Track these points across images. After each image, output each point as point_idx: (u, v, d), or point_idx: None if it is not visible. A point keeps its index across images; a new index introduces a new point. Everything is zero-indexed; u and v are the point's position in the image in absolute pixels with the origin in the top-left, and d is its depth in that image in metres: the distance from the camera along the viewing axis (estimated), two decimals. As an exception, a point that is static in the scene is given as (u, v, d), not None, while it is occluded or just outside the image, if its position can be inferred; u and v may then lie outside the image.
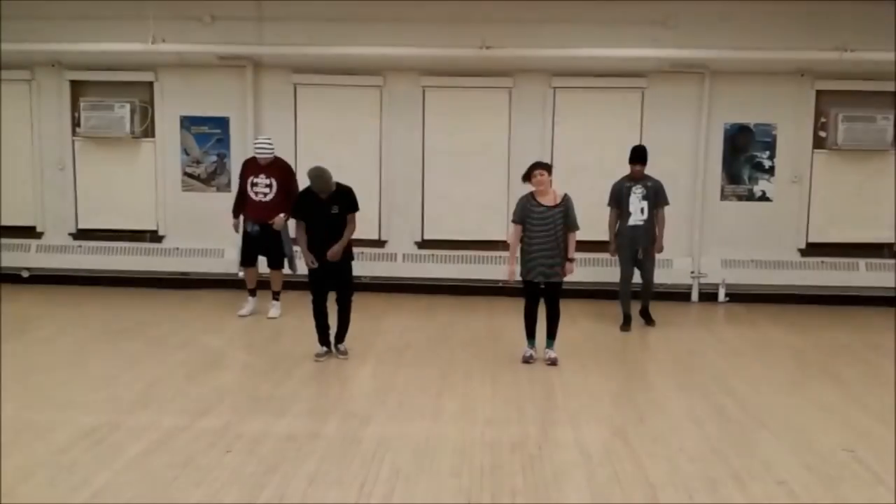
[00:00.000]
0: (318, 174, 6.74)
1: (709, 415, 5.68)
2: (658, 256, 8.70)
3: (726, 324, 8.98)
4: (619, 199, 8.36)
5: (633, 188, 8.30)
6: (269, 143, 8.51)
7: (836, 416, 5.72)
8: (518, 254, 7.01)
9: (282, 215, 8.37)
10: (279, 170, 8.51)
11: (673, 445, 5.05)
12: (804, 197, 9.85)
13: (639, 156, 8.35)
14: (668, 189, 8.60)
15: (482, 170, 9.96)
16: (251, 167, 8.53)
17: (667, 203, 8.44)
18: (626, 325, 8.41)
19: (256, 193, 8.42)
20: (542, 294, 6.98)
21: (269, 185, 8.41)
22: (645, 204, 8.28)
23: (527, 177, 6.88)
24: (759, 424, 5.49)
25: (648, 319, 8.52)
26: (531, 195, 6.86)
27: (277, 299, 8.75)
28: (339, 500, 4.24)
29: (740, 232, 9.88)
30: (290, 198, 8.41)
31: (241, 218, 8.58)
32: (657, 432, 5.32)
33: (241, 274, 8.96)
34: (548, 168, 6.88)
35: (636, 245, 8.38)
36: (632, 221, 8.30)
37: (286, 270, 8.70)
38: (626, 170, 8.48)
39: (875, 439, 5.21)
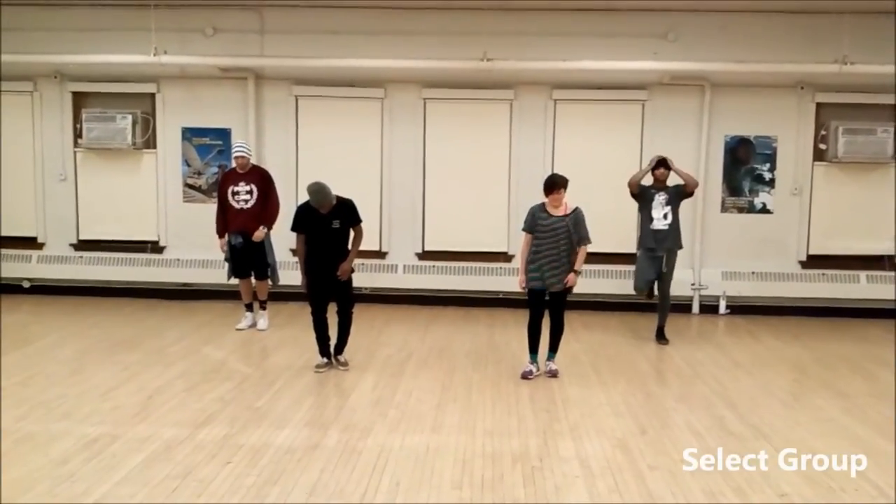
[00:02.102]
0: (317, 189, 6.72)
1: (709, 427, 5.67)
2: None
3: (727, 336, 8.96)
4: (644, 200, 8.39)
5: (657, 195, 8.35)
6: (248, 147, 8.59)
7: (837, 429, 5.72)
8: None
9: (262, 228, 8.38)
10: (258, 176, 8.50)
11: (673, 457, 5.03)
12: (805, 209, 9.87)
13: (662, 161, 8.42)
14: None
15: (483, 181, 9.98)
16: (230, 177, 8.52)
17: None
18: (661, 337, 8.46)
19: (238, 202, 8.38)
20: (546, 305, 6.96)
21: (250, 192, 8.38)
22: (668, 209, 8.33)
23: (548, 191, 6.80)
24: (759, 436, 5.48)
25: (662, 338, 8.39)
26: (542, 205, 6.86)
27: (264, 309, 8.75)
28: (339, 512, 4.24)
29: (741, 244, 9.90)
30: (269, 204, 8.44)
31: (227, 237, 8.52)
32: (658, 444, 5.31)
33: (233, 280, 8.85)
34: (566, 185, 6.85)
35: (660, 247, 8.30)
36: (655, 226, 8.35)
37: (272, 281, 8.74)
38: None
39: (876, 452, 5.19)
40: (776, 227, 9.90)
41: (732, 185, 9.91)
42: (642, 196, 8.43)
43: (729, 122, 9.81)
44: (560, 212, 6.78)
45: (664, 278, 8.40)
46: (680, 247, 8.48)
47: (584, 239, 6.83)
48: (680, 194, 8.43)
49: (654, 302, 8.62)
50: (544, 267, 6.79)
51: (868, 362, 7.72)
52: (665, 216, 8.35)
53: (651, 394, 6.60)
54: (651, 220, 8.37)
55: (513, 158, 9.94)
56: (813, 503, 4.42)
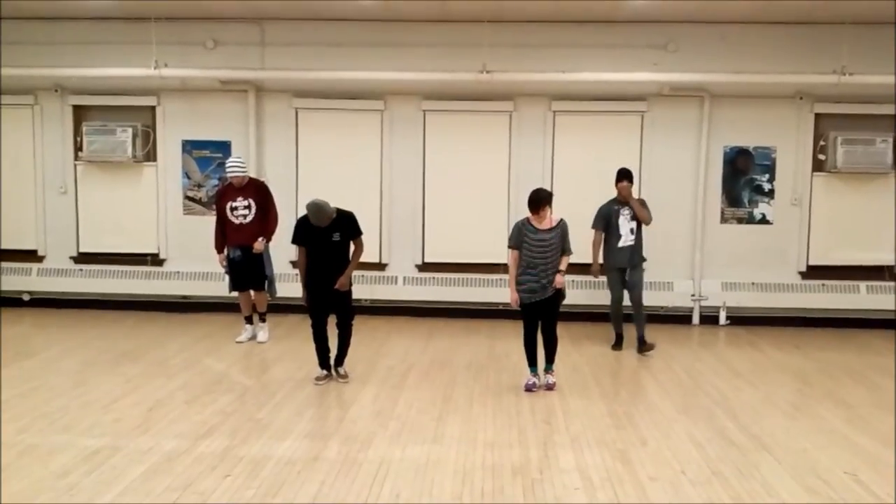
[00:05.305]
0: (315, 210, 6.67)
1: (710, 438, 5.66)
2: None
3: (727, 346, 8.96)
4: (607, 222, 8.44)
5: (622, 211, 8.40)
6: (242, 163, 8.51)
7: (838, 439, 5.70)
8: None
9: (261, 240, 8.38)
10: (255, 190, 8.49)
11: (674, 468, 5.03)
12: (804, 220, 9.88)
13: (625, 173, 8.43)
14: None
15: (483, 193, 10.00)
16: (228, 193, 8.48)
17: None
18: (617, 344, 8.58)
19: (237, 217, 8.37)
20: (539, 318, 6.93)
21: (248, 207, 8.37)
22: (633, 224, 8.40)
23: (535, 209, 6.72)
24: (760, 447, 5.47)
25: (644, 345, 8.38)
26: (527, 220, 6.82)
27: (264, 321, 8.75)
28: (339, 524, 4.23)
29: (741, 255, 9.91)
30: (268, 217, 8.45)
31: (226, 251, 8.51)
32: (659, 455, 5.30)
33: (234, 293, 8.83)
34: (550, 200, 6.83)
35: (625, 265, 8.44)
36: (622, 243, 8.40)
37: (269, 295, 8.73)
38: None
39: (877, 462, 5.19)
40: (776, 237, 9.91)
41: (732, 196, 9.92)
42: (606, 218, 8.44)
43: (728, 132, 9.83)
44: (546, 225, 6.74)
45: (634, 288, 8.45)
46: (644, 260, 8.58)
47: (568, 250, 6.84)
48: (644, 208, 8.52)
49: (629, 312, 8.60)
50: (535, 281, 6.75)
51: (870, 372, 7.71)
52: (631, 231, 8.41)
53: (652, 405, 6.58)
54: (619, 237, 8.40)
55: (512, 170, 9.96)
56: (814, 514, 4.42)
